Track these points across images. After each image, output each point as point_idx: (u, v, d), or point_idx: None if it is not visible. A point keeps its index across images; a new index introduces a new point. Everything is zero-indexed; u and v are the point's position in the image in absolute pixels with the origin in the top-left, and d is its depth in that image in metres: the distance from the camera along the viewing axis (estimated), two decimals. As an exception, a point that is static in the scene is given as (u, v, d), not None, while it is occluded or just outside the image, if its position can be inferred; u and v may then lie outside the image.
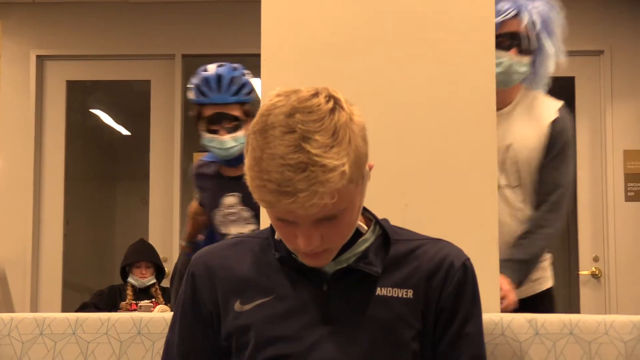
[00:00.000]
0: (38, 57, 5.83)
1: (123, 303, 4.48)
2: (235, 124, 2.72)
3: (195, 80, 2.78)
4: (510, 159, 2.40)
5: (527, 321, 1.68)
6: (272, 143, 1.27)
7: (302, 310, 1.44)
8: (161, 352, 1.56)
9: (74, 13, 5.84)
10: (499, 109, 2.28)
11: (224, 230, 2.83)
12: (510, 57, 2.34)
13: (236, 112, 2.73)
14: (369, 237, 1.49)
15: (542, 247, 2.40)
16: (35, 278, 5.75)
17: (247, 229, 2.77)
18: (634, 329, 1.66)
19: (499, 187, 2.32)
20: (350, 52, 2.03)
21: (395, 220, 1.57)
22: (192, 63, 5.75)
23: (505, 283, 2.21)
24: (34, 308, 5.62)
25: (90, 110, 6.28)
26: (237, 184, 2.69)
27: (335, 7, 2.04)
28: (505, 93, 2.41)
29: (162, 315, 1.74)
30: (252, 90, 2.82)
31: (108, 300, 4.62)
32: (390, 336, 1.43)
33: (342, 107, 1.32)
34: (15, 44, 5.85)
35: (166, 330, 1.56)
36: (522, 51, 2.35)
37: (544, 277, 2.58)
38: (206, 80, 2.73)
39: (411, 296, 1.45)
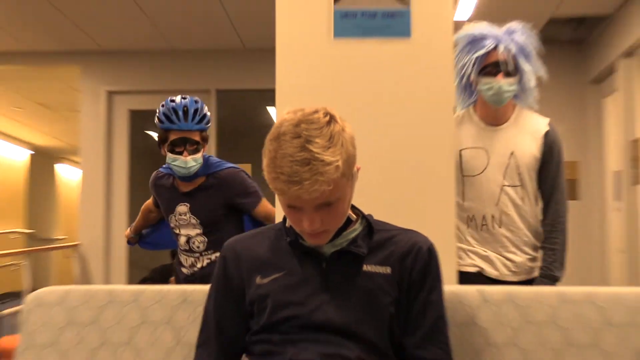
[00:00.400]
0: (108, 92, 5.84)
1: (172, 278, 4.46)
2: (196, 147, 2.57)
3: (163, 109, 2.54)
4: (513, 163, 2.26)
5: (477, 291, 1.67)
6: (283, 145, 1.30)
7: (307, 282, 1.44)
8: (201, 315, 1.55)
9: (135, 58, 5.86)
10: (498, 124, 2.31)
11: (177, 231, 2.71)
12: (497, 81, 2.21)
13: (197, 137, 2.57)
14: (357, 227, 1.50)
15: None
16: (107, 259, 5.76)
17: (195, 231, 2.66)
18: (558, 296, 1.65)
19: (503, 186, 2.25)
20: (341, 87, 2.04)
21: (378, 214, 1.57)
22: (224, 96, 5.76)
23: None
24: (107, 281, 5.63)
25: (147, 132, 6.27)
26: (188, 197, 2.67)
27: (328, 54, 2.05)
28: (501, 111, 2.30)
29: (202, 287, 1.73)
30: (209, 120, 2.64)
31: (161, 275, 4.60)
32: (374, 301, 1.43)
33: (336, 121, 1.35)
34: (90, 82, 5.87)
35: (204, 298, 1.56)
36: (507, 74, 2.22)
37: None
38: (174, 109, 2.51)
39: (389, 272, 1.45)
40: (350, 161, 1.35)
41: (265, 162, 1.33)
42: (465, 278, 2.20)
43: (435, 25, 2.04)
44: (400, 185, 2.00)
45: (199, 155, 2.58)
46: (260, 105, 6.48)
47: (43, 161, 11.53)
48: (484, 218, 2.27)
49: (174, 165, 2.56)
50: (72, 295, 1.75)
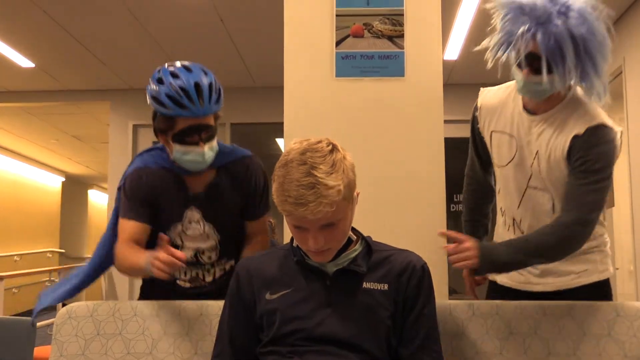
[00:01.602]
0: (134, 125, 5.87)
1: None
2: (211, 133, 1.78)
3: (165, 89, 1.70)
4: (536, 165, 1.71)
5: (467, 305, 1.66)
6: (290, 171, 1.31)
7: (312, 298, 1.43)
8: (216, 327, 1.54)
9: (158, 96, 5.89)
10: (537, 113, 1.72)
11: (178, 242, 1.87)
12: (523, 77, 1.61)
13: (211, 120, 1.78)
14: (357, 248, 1.49)
15: (561, 246, 1.61)
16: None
17: (208, 243, 1.89)
18: (539, 309, 1.63)
19: (529, 186, 1.74)
20: (342, 121, 2.05)
21: (376, 235, 1.56)
22: (238, 129, 5.78)
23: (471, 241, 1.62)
24: (131, 297, 5.59)
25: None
26: (200, 199, 1.87)
27: (329, 92, 2.06)
28: (541, 102, 1.69)
29: (216, 302, 1.72)
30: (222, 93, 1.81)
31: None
32: (373, 316, 1.41)
33: (338, 150, 1.37)
34: (119, 117, 5.90)
35: (219, 312, 1.55)
36: (536, 70, 1.57)
37: (590, 270, 1.76)
38: (183, 90, 1.69)
39: (387, 288, 1.44)
40: (351, 186, 1.36)
41: (274, 186, 1.34)
42: (498, 290, 1.88)
43: (427, 65, 2.05)
44: (396, 209, 2.01)
45: (214, 142, 1.81)
46: (270, 137, 6.51)
47: (75, 187, 11.60)
48: (514, 220, 1.82)
49: (186, 159, 1.76)
50: (99, 309, 1.74)
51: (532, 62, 1.57)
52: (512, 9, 1.57)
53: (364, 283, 1.44)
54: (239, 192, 1.88)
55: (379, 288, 1.44)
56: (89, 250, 11.54)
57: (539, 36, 1.52)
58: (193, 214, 1.86)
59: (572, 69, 1.55)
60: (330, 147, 1.36)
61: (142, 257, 1.65)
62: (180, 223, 1.86)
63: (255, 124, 5.91)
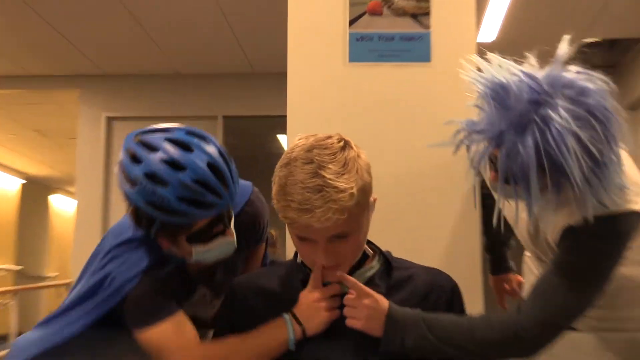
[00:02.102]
0: (107, 118, 5.90)
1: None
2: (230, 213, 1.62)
3: (172, 192, 1.44)
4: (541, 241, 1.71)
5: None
6: (294, 172, 1.30)
7: None
8: None
9: (136, 82, 5.93)
10: None
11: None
12: (489, 178, 1.54)
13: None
14: (375, 265, 1.50)
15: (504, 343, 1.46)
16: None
17: (211, 311, 1.85)
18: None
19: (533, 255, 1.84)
20: (356, 114, 2.07)
21: (395, 251, 1.58)
22: (232, 123, 5.79)
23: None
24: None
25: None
26: (205, 278, 1.81)
27: (341, 79, 2.08)
28: None
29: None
30: None
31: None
32: None
33: (351, 147, 1.36)
34: (89, 107, 5.94)
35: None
36: (505, 180, 1.41)
37: None
38: (200, 184, 1.47)
39: None
40: (366, 190, 1.35)
41: (274, 189, 1.34)
42: None
43: (458, 49, 2.06)
44: (420, 219, 2.00)
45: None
46: (270, 133, 6.52)
47: (36, 192, 11.57)
48: (533, 252, 1.85)
49: (212, 255, 1.61)
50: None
51: (495, 167, 1.47)
52: (491, 95, 1.41)
53: None
54: (246, 242, 1.85)
55: None
56: (51, 268, 11.56)
57: (501, 151, 1.38)
58: (201, 291, 1.82)
59: (545, 191, 1.40)
60: (341, 143, 1.35)
61: (274, 328, 1.49)
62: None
63: (253, 118, 5.92)
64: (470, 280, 1.93)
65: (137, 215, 1.54)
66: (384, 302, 1.43)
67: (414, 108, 2.06)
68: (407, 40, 2.07)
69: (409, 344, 1.41)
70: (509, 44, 4.88)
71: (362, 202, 1.34)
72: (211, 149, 1.52)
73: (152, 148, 1.48)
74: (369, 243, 1.54)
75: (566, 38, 1.43)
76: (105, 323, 1.62)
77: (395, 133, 2.05)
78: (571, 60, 1.45)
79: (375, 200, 1.43)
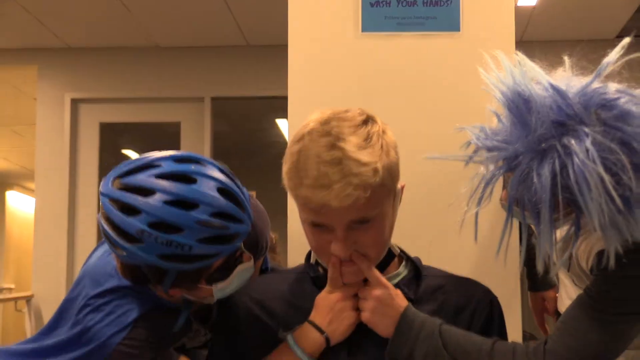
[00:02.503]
0: (72, 100, 5.91)
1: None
2: None
3: (189, 237, 1.41)
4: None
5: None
6: (308, 145, 1.33)
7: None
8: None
9: (108, 58, 5.93)
10: None
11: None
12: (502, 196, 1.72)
13: None
14: (402, 271, 1.53)
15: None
16: (68, 315, 5.73)
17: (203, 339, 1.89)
18: None
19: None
20: (371, 94, 2.06)
21: (418, 254, 1.59)
22: (221, 105, 5.81)
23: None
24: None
25: (122, 151, 6.32)
26: (200, 315, 1.84)
27: (352, 52, 2.08)
28: None
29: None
30: None
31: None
32: None
33: (375, 121, 1.39)
34: (50, 87, 5.94)
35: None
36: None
37: None
38: (222, 216, 1.45)
39: None
40: (392, 170, 1.37)
41: (285, 168, 1.36)
42: None
43: (492, 15, 2.06)
44: (447, 217, 2.00)
45: None
46: (268, 117, 6.52)
47: (-12, 189, 11.64)
48: None
49: (233, 288, 1.61)
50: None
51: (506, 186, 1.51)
52: (509, 107, 1.39)
53: None
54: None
55: None
56: (7, 279, 11.60)
57: (514, 175, 1.36)
58: (198, 332, 1.85)
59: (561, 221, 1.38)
60: (364, 116, 1.38)
61: (280, 356, 1.52)
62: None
63: (247, 99, 5.93)
64: (508, 295, 1.92)
65: (137, 272, 1.52)
66: (401, 301, 1.45)
67: (440, 85, 2.06)
68: (432, 6, 2.07)
69: (417, 357, 1.42)
70: (553, 8, 4.89)
71: (388, 184, 1.36)
72: (214, 172, 1.49)
73: (146, 191, 1.42)
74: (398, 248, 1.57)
75: (622, 43, 1.36)
76: None
77: (417, 117, 2.05)
78: (619, 76, 1.39)
79: (403, 187, 1.45)
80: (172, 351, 1.66)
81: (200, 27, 5.55)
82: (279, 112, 6.08)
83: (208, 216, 1.41)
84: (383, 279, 1.45)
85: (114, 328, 1.58)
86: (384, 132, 1.38)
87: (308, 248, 1.55)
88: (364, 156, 1.30)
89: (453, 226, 1.97)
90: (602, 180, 1.24)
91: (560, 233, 1.40)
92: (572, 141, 1.26)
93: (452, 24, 2.07)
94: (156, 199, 1.40)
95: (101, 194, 1.47)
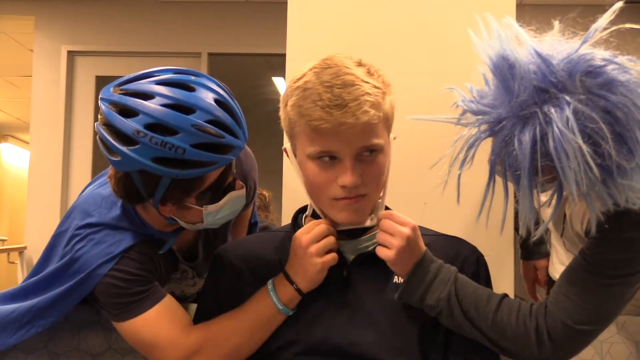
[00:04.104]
0: (69, 52, 5.88)
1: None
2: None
3: (184, 140, 1.42)
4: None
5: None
6: (313, 79, 1.39)
7: (321, 295, 1.49)
8: None
9: (105, 10, 5.88)
10: None
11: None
12: None
13: None
14: None
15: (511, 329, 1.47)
16: (62, 267, 5.75)
17: (195, 289, 1.94)
18: None
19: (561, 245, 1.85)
20: (375, 51, 2.04)
21: (414, 219, 1.58)
22: (218, 61, 5.78)
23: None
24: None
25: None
26: (188, 256, 1.85)
27: (356, 10, 2.06)
28: None
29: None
30: None
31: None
32: (405, 322, 1.47)
33: (376, 71, 1.46)
34: (47, 39, 5.90)
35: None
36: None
37: None
38: (218, 125, 1.47)
39: None
40: (393, 110, 1.47)
41: (291, 102, 1.41)
42: None
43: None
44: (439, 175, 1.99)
45: None
46: (265, 75, 6.50)
47: (-18, 139, 11.62)
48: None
49: (224, 215, 1.64)
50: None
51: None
52: (494, 71, 1.38)
53: (395, 277, 1.51)
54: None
55: None
56: (0, 231, 11.63)
57: (497, 139, 1.37)
58: (182, 267, 1.86)
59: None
60: (359, 60, 1.46)
61: (259, 300, 1.53)
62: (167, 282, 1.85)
63: (244, 55, 5.91)
64: (499, 258, 1.92)
65: (130, 182, 1.53)
66: (422, 243, 1.48)
67: (440, 48, 2.04)
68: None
69: (429, 301, 1.45)
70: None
71: (390, 121, 1.47)
72: (213, 85, 1.53)
73: (146, 95, 1.45)
74: (386, 208, 1.57)
75: (612, 9, 1.34)
76: None
77: (417, 77, 2.03)
78: (606, 43, 1.38)
79: (395, 138, 1.50)
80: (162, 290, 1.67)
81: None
82: (276, 70, 6.06)
83: (204, 122, 1.43)
84: (407, 219, 1.47)
85: (103, 258, 1.60)
86: (383, 80, 1.46)
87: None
88: (371, 80, 1.40)
89: (447, 188, 1.98)
90: (580, 149, 1.24)
91: (545, 198, 1.41)
92: (552, 110, 1.27)
93: (453, -16, 2.05)
94: (155, 102, 1.43)
95: (101, 99, 1.50)
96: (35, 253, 5.74)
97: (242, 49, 5.80)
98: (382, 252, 1.45)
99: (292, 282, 1.48)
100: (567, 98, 1.26)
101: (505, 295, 1.49)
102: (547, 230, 2.20)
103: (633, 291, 1.44)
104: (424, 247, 1.49)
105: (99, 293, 1.59)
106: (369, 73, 1.43)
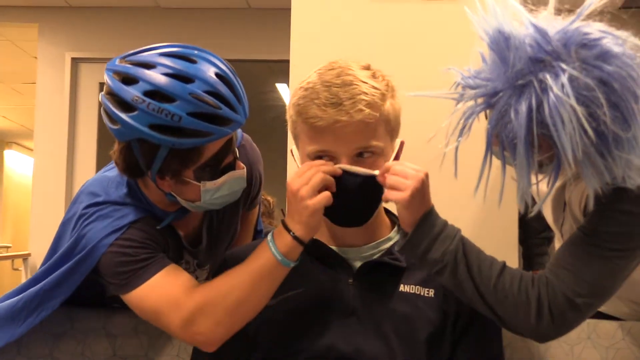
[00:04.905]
0: (73, 59, 5.86)
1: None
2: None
3: (181, 107, 1.45)
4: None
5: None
6: (316, 80, 1.43)
7: (328, 303, 1.49)
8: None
9: (109, 17, 5.88)
10: None
11: None
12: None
13: None
14: (393, 236, 1.55)
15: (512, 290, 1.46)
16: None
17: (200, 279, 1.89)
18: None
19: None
20: (378, 60, 2.04)
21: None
22: (222, 68, 5.75)
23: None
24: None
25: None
26: (191, 242, 1.84)
27: (358, 17, 2.06)
28: None
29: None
30: None
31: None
32: (411, 331, 1.46)
33: (382, 75, 1.48)
34: (51, 46, 5.90)
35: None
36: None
37: None
38: (216, 96, 1.49)
39: (432, 295, 1.49)
40: (397, 114, 1.49)
41: (292, 102, 1.45)
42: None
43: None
44: (450, 187, 1.98)
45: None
46: (268, 81, 6.50)
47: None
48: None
49: (223, 194, 1.64)
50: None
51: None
52: (490, 45, 1.40)
53: (402, 285, 1.50)
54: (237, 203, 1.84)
55: (421, 293, 1.49)
56: (5, 237, 11.64)
57: (493, 113, 1.38)
58: (187, 258, 1.85)
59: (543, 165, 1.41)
60: (367, 64, 1.48)
61: (259, 253, 1.51)
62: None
63: (248, 62, 5.90)
64: (504, 249, 1.93)
65: (130, 153, 1.55)
66: (424, 182, 1.45)
67: (443, 53, 2.04)
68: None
69: (434, 255, 1.42)
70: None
71: (392, 124, 1.47)
72: (216, 61, 1.55)
73: (148, 65, 1.50)
74: (388, 212, 1.59)
75: None
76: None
77: (420, 82, 2.02)
78: (601, 15, 1.40)
79: (403, 143, 1.52)
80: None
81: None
82: (279, 77, 6.06)
83: (202, 92, 1.47)
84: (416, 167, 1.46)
85: (108, 229, 1.61)
86: (389, 84, 1.48)
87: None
88: (372, 81, 1.42)
89: (451, 196, 1.98)
90: (575, 113, 1.25)
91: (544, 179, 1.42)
92: (548, 76, 1.28)
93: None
94: (155, 71, 1.48)
95: (106, 69, 1.55)
96: (39, 259, 5.72)
97: (245, 56, 5.79)
98: (392, 195, 1.42)
99: (289, 231, 1.45)
100: (563, 66, 1.28)
101: (505, 263, 1.48)
102: (550, 241, 2.21)
103: (633, 266, 1.45)
104: (431, 201, 1.47)
105: (103, 266, 1.59)
106: (373, 76, 1.45)
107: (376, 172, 1.44)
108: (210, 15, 5.82)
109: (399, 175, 1.43)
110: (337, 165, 1.43)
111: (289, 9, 2.08)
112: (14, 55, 7.17)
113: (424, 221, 1.43)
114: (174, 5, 5.82)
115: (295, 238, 1.44)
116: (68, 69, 5.84)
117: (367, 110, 1.38)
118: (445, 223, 1.46)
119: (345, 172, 1.43)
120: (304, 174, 1.42)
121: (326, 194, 1.42)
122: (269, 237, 1.48)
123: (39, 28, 5.93)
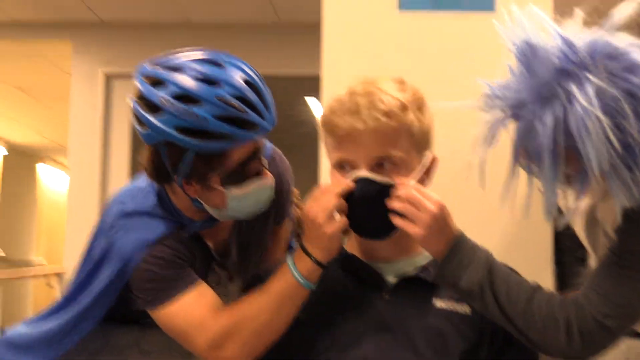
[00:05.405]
0: (106, 75, 5.91)
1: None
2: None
3: (207, 110, 1.47)
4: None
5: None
6: (345, 92, 1.47)
7: (362, 318, 1.49)
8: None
9: (141, 33, 5.93)
10: None
11: None
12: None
13: None
14: (428, 254, 1.54)
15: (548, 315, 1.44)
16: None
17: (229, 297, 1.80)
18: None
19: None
20: (407, 73, 2.03)
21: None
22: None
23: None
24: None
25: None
26: (221, 254, 1.84)
27: (388, 30, 2.06)
28: None
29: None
30: None
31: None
32: (446, 347, 1.46)
33: (411, 88, 1.52)
34: (84, 62, 5.95)
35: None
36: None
37: None
38: (242, 100, 1.51)
39: (468, 312, 1.49)
40: (424, 127, 1.49)
41: (323, 114, 1.49)
42: None
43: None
44: (482, 203, 1.98)
45: None
46: (297, 95, 6.51)
47: (20, 162, 11.64)
48: None
49: (250, 203, 1.65)
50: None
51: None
52: (518, 56, 1.42)
53: (437, 300, 1.51)
54: (268, 210, 1.81)
55: (457, 310, 1.49)
56: (39, 253, 11.70)
57: (519, 124, 1.40)
58: (216, 270, 1.85)
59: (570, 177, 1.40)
60: (400, 79, 1.51)
61: (281, 277, 1.53)
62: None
63: (277, 78, 5.88)
64: (540, 274, 1.91)
65: (157, 157, 1.58)
66: (454, 223, 1.46)
67: (475, 66, 2.02)
68: (469, -16, 2.05)
69: (463, 285, 1.42)
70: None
71: (417, 137, 1.48)
72: (245, 67, 1.60)
73: (177, 69, 1.54)
74: None
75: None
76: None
77: (452, 97, 2.02)
78: (629, 27, 1.40)
79: (435, 160, 1.52)
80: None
81: (232, 3, 5.52)
82: (309, 90, 6.06)
83: (228, 95, 1.50)
84: (432, 194, 1.44)
85: (138, 244, 1.63)
86: (421, 97, 1.50)
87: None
88: (395, 93, 1.45)
89: (483, 213, 1.97)
90: (600, 123, 1.26)
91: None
92: (574, 87, 1.30)
93: (486, 3, 2.06)
94: (184, 74, 1.52)
95: (137, 73, 1.61)
96: (72, 274, 5.75)
97: (275, 71, 5.75)
98: (407, 227, 1.42)
99: (309, 255, 1.48)
100: (589, 76, 1.29)
101: (539, 287, 1.47)
102: (584, 261, 2.18)
103: None
104: (455, 227, 1.46)
105: (133, 280, 1.62)
106: (400, 89, 1.48)
107: (394, 182, 1.44)
108: (240, 29, 5.85)
109: (413, 204, 1.42)
110: (354, 172, 1.45)
111: (318, 24, 2.09)
112: (47, 72, 7.23)
113: (452, 254, 1.43)
114: (204, 21, 5.86)
115: (316, 262, 1.47)
116: (101, 85, 5.89)
117: (384, 119, 1.41)
118: (473, 250, 1.45)
119: (361, 180, 1.44)
120: (319, 200, 1.44)
121: (343, 221, 1.44)
122: (289, 260, 1.50)
123: (72, 44, 5.99)
